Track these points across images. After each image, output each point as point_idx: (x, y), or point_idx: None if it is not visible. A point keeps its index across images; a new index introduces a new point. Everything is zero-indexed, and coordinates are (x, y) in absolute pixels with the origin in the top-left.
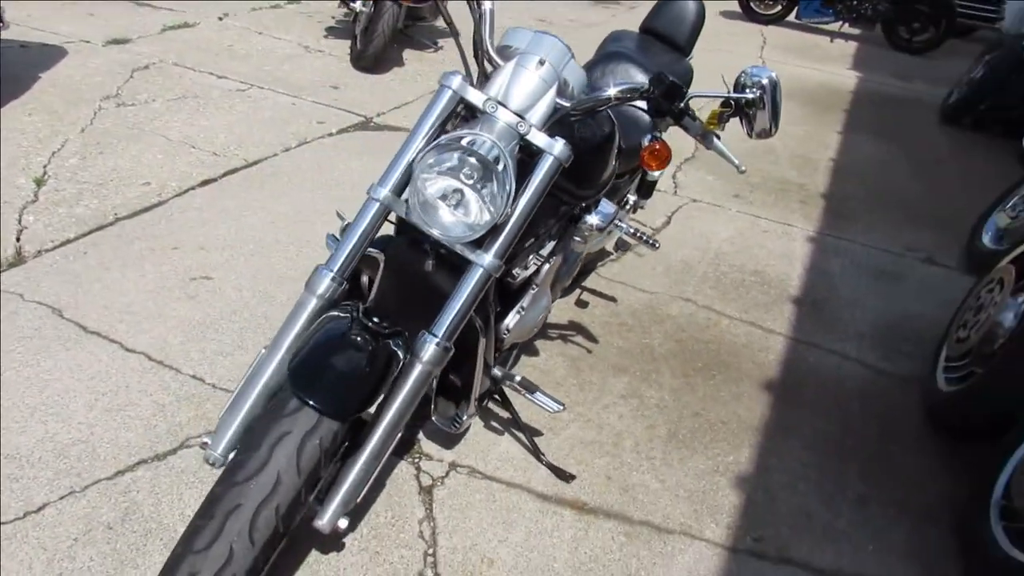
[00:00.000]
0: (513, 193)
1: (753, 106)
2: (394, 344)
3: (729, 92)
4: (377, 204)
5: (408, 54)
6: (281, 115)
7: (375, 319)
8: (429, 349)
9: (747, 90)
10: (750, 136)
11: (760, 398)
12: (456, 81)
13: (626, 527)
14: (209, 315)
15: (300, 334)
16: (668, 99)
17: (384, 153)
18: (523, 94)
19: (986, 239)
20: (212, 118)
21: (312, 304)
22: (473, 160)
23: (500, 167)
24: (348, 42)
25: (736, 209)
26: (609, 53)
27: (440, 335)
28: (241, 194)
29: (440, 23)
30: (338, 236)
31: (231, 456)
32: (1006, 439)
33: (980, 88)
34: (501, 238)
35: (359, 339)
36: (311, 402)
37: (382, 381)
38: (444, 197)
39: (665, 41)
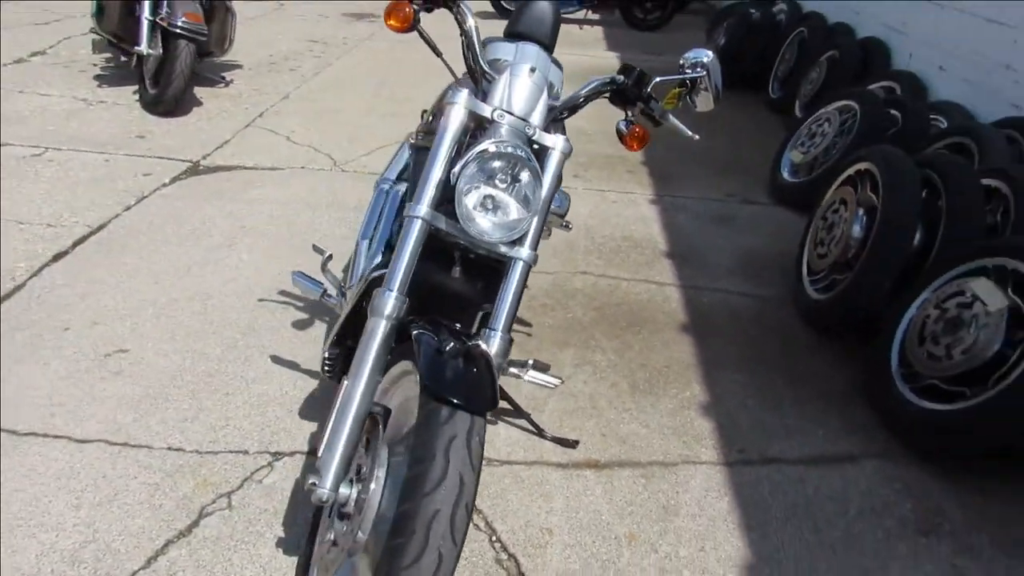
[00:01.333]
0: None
1: (699, 84)
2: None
3: (683, 74)
4: (419, 221)
5: (200, 92)
6: (99, 174)
7: (457, 325)
8: (496, 342)
9: (693, 70)
10: (695, 109)
11: (684, 340)
12: (464, 97)
13: (641, 470)
14: (148, 387)
15: (380, 358)
16: (638, 86)
17: (232, 193)
18: (522, 100)
19: (785, 174)
20: (23, 190)
21: (383, 327)
22: (508, 165)
23: (535, 167)
24: (131, 88)
25: (582, 187)
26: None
27: (500, 328)
28: (104, 260)
29: (225, 58)
30: (306, 273)
31: (338, 488)
32: (888, 326)
33: (726, 53)
34: (532, 231)
35: (464, 344)
36: (464, 405)
37: (496, 374)
38: (481, 204)
39: (533, 42)
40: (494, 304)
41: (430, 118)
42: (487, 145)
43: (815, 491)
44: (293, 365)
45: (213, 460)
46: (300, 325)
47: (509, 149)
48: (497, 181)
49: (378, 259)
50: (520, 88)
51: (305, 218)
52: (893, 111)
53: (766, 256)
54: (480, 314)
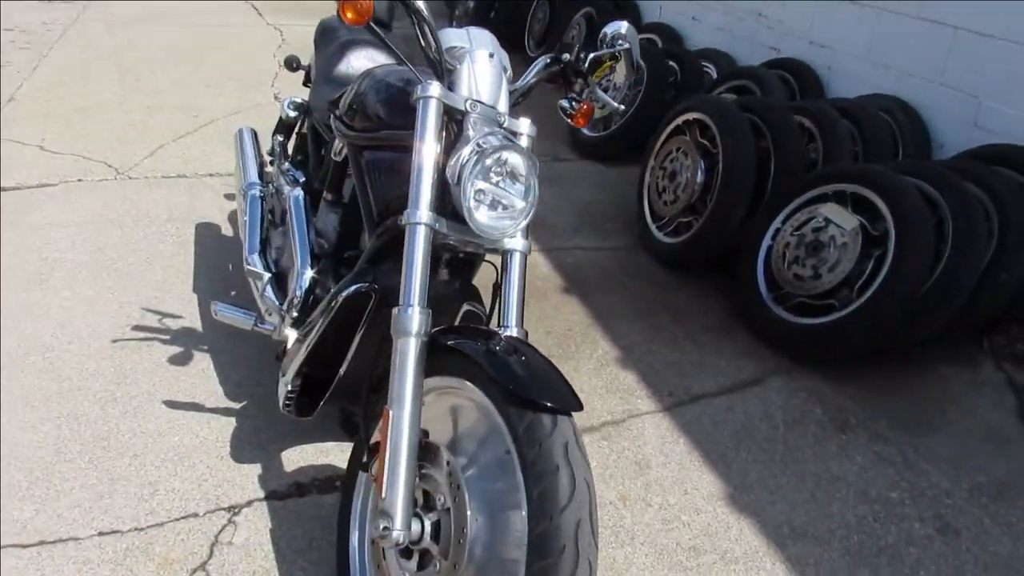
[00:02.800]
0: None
1: (622, 55)
2: None
3: (614, 48)
4: (423, 228)
5: None
6: None
7: (484, 328)
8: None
9: (618, 43)
10: (621, 80)
11: (570, 301)
12: (436, 89)
13: (598, 434)
14: (31, 470)
15: (420, 379)
16: (577, 63)
17: (8, 222)
18: (488, 87)
19: (584, 130)
20: None
21: (414, 345)
22: (508, 159)
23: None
24: None
25: None
26: (346, 42)
27: (515, 323)
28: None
29: None
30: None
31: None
32: (748, 258)
33: (477, 16)
34: (525, 221)
35: (511, 344)
36: (560, 407)
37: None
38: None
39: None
40: (492, 300)
41: (337, 111)
42: (485, 140)
43: (745, 416)
44: (196, 407)
45: (162, 534)
46: (177, 360)
47: (506, 142)
48: (495, 175)
49: (308, 273)
50: (484, 75)
51: (115, 238)
52: (671, 62)
53: (599, 209)
54: (462, 312)
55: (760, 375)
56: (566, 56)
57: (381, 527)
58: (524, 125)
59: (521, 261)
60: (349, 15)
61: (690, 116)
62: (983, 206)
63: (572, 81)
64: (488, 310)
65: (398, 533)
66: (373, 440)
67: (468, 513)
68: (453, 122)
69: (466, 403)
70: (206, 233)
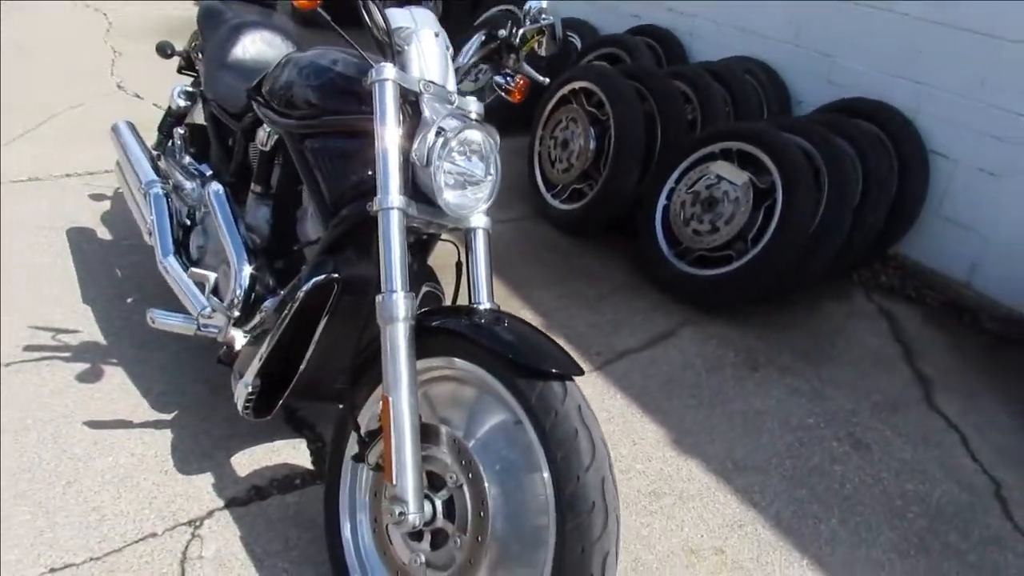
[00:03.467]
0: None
1: (547, 29)
2: None
3: (539, 22)
4: (397, 212)
5: None
6: None
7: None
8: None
9: (542, 17)
10: (547, 53)
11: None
12: (391, 71)
13: None
14: None
15: (414, 363)
16: (510, 37)
17: None
18: (437, 67)
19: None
20: None
21: (404, 330)
22: (472, 138)
23: (492, 135)
24: None
25: None
26: (237, 25)
27: (487, 298)
28: None
29: None
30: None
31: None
32: (646, 218)
33: None
34: (492, 196)
35: (506, 316)
36: (564, 372)
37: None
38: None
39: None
40: (456, 278)
41: (261, 99)
42: (447, 121)
43: (669, 367)
44: (123, 423)
45: (123, 559)
46: (87, 377)
47: (468, 121)
48: (458, 154)
49: (247, 269)
50: (432, 55)
51: None
52: None
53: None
54: (422, 294)
55: (674, 327)
56: (502, 32)
57: (396, 513)
58: (472, 103)
59: (485, 237)
60: (301, 1)
61: (576, 85)
62: (849, 156)
63: (505, 57)
64: (454, 289)
65: (414, 516)
66: (366, 429)
67: (486, 485)
68: (407, 104)
69: (457, 381)
70: (81, 238)
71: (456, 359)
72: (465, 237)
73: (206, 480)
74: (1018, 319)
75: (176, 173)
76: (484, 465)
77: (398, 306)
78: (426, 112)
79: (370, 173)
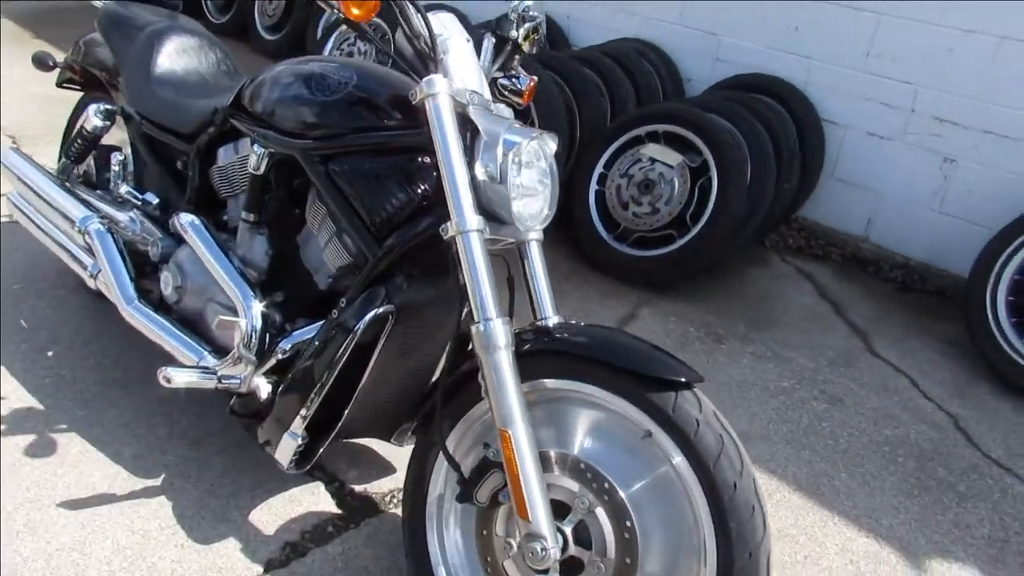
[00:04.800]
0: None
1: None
2: None
3: (534, 22)
4: (476, 234)
5: None
6: None
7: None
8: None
9: (532, 16)
10: (536, 51)
11: None
12: (443, 83)
13: None
14: None
15: (520, 393)
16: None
17: None
18: (475, 75)
19: None
20: None
21: (507, 358)
22: (540, 149)
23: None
24: None
25: None
26: (156, 32)
27: (553, 311)
28: None
29: None
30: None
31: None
32: (580, 207)
33: None
34: (556, 205)
35: (609, 330)
36: (689, 380)
37: None
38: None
39: (154, 1)
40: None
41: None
42: (514, 135)
43: None
44: (105, 498)
45: None
46: (38, 451)
47: (532, 132)
48: (527, 166)
49: (256, 307)
50: (469, 63)
51: None
52: None
53: None
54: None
55: (632, 309)
56: (512, 33)
57: (538, 549)
58: (506, 110)
59: (540, 248)
60: (357, 12)
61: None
62: (762, 129)
63: (509, 58)
64: (509, 304)
65: (555, 550)
66: (472, 468)
67: (627, 505)
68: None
69: (551, 403)
70: None
71: (556, 380)
72: (519, 251)
73: (232, 546)
74: (915, 266)
75: (105, 205)
76: (620, 484)
77: (498, 334)
78: (481, 124)
79: (419, 192)
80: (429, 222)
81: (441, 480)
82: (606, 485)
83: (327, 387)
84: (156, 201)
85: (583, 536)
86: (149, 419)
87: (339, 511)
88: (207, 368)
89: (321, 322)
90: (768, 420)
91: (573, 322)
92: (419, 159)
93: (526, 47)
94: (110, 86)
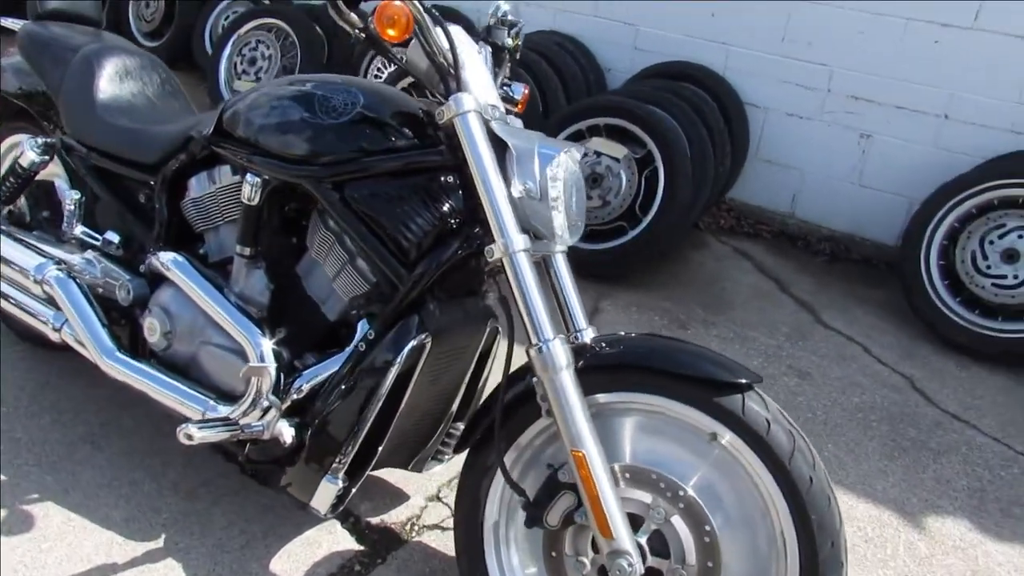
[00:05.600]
0: None
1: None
2: None
3: (516, 26)
4: (525, 255)
5: None
6: None
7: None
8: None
9: (510, 18)
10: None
11: None
12: (471, 101)
13: None
14: None
15: (586, 411)
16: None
17: None
18: (490, 87)
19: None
20: None
21: (572, 378)
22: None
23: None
24: None
25: None
26: (92, 53)
27: (587, 323)
28: None
29: None
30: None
31: None
32: None
33: None
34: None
35: (652, 338)
36: (749, 381)
37: None
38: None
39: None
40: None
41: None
42: (547, 148)
43: None
44: (106, 568)
45: None
46: (15, 527)
47: (562, 145)
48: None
49: (266, 346)
50: (484, 76)
51: None
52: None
53: None
54: (488, 331)
55: (593, 303)
56: (508, 41)
57: (625, 566)
58: (517, 120)
59: (566, 260)
60: (392, 31)
61: None
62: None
63: (503, 66)
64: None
65: (638, 564)
66: (538, 491)
67: (705, 510)
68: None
69: (616, 414)
70: None
71: (609, 394)
72: (544, 264)
73: None
74: (840, 238)
75: (54, 249)
76: (694, 489)
77: (559, 355)
78: (509, 140)
79: (445, 213)
80: (459, 244)
81: (496, 506)
82: (680, 492)
83: (368, 425)
84: (117, 240)
85: (657, 546)
86: (130, 475)
87: (361, 547)
88: (228, 420)
89: (335, 356)
90: None
91: (617, 333)
92: (441, 178)
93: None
94: (40, 116)
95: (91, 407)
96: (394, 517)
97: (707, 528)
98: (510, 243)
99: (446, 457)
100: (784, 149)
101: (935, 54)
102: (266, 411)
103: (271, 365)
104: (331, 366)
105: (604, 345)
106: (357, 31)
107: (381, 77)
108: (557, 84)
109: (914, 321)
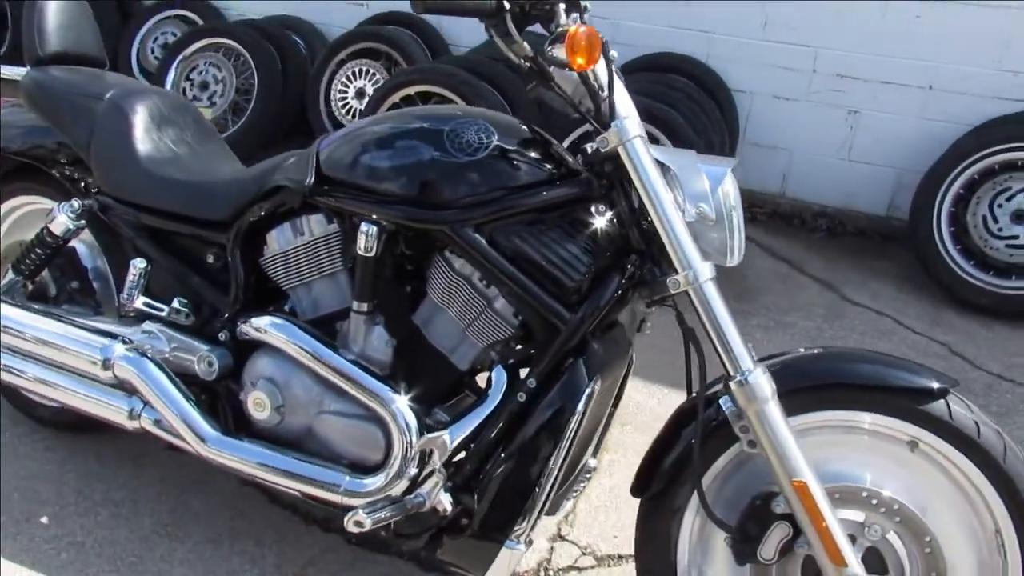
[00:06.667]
0: None
1: None
2: None
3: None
4: (712, 283)
5: None
6: None
7: None
8: None
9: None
10: None
11: None
12: (636, 125)
13: None
14: None
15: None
16: None
17: None
18: (630, 103)
19: None
20: None
21: (777, 408)
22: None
23: None
24: None
25: None
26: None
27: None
28: None
29: None
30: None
31: None
32: None
33: None
34: None
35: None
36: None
37: None
38: None
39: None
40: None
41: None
42: (714, 167)
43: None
44: None
45: None
46: None
47: (723, 161)
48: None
49: (403, 406)
50: (624, 91)
51: None
52: None
53: None
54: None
55: None
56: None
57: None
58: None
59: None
60: (582, 59)
61: None
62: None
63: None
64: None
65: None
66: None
67: (923, 521)
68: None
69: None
70: None
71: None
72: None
73: None
74: (832, 213)
75: (106, 324)
76: (908, 501)
77: (763, 385)
78: (667, 159)
79: (601, 247)
80: (620, 278)
81: (687, 547)
82: (895, 507)
83: (552, 480)
84: (186, 308)
85: (873, 563)
86: (226, 565)
87: None
88: (393, 498)
89: (474, 410)
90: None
91: (784, 354)
92: (589, 209)
93: None
94: (66, 178)
95: (149, 493)
96: (524, 565)
97: (927, 539)
98: (697, 273)
99: (575, 494)
100: (772, 131)
101: (917, 29)
102: (417, 479)
103: (413, 426)
104: (473, 420)
105: (779, 366)
106: (523, 59)
107: (346, 97)
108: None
109: (930, 288)
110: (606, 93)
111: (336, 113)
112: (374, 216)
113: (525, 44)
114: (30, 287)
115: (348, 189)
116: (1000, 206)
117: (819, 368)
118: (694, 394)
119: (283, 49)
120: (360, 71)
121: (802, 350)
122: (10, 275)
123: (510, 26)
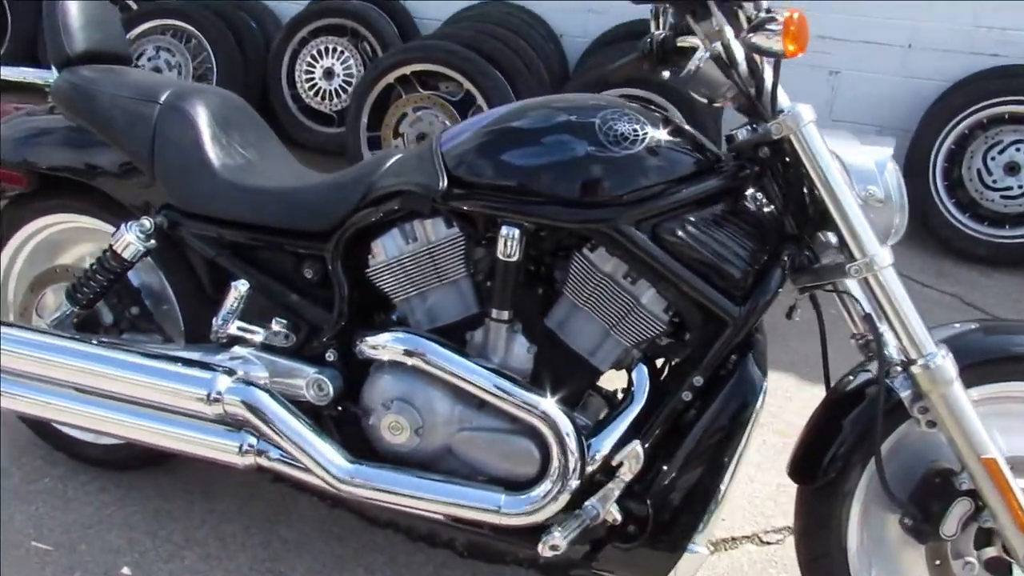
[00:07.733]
0: None
1: None
2: None
3: None
4: (891, 268)
5: None
6: None
7: None
8: None
9: None
10: None
11: None
12: (809, 111)
13: None
14: None
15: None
16: None
17: None
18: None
19: None
20: None
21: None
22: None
23: None
24: None
25: None
26: (178, 99)
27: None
28: None
29: None
30: None
31: None
32: None
33: None
34: None
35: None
36: None
37: None
38: None
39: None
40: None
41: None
42: (879, 144)
43: None
44: None
45: None
46: None
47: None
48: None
49: (566, 426)
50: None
51: None
52: None
53: None
54: None
55: None
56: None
57: None
58: None
59: None
60: (791, 47)
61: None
62: None
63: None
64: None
65: None
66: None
67: None
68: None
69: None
70: None
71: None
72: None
73: None
74: None
75: (195, 355)
76: None
77: (947, 368)
78: (833, 143)
79: (762, 238)
80: (781, 268)
81: (856, 530)
82: None
83: (729, 479)
84: (286, 329)
85: None
86: None
87: None
88: (581, 516)
89: (622, 413)
90: None
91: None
92: (745, 197)
93: None
94: (123, 194)
95: (233, 527)
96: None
97: None
98: (878, 259)
99: None
100: None
101: None
102: (580, 491)
103: (574, 435)
104: (623, 422)
105: (954, 345)
106: (715, 44)
107: (313, 78)
108: (539, 64)
109: (926, 240)
110: (771, 79)
111: (304, 96)
112: (517, 218)
113: (727, 27)
114: (78, 317)
115: (486, 191)
116: (993, 159)
117: (992, 343)
118: (832, 383)
119: (237, 29)
120: (326, 49)
121: (958, 325)
122: (65, 306)
123: (714, 8)
